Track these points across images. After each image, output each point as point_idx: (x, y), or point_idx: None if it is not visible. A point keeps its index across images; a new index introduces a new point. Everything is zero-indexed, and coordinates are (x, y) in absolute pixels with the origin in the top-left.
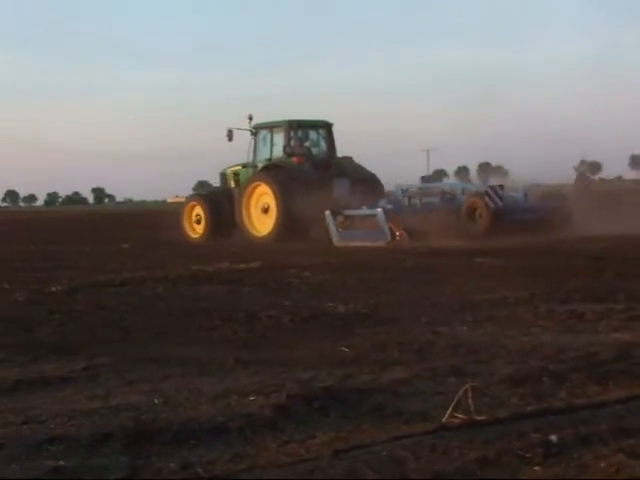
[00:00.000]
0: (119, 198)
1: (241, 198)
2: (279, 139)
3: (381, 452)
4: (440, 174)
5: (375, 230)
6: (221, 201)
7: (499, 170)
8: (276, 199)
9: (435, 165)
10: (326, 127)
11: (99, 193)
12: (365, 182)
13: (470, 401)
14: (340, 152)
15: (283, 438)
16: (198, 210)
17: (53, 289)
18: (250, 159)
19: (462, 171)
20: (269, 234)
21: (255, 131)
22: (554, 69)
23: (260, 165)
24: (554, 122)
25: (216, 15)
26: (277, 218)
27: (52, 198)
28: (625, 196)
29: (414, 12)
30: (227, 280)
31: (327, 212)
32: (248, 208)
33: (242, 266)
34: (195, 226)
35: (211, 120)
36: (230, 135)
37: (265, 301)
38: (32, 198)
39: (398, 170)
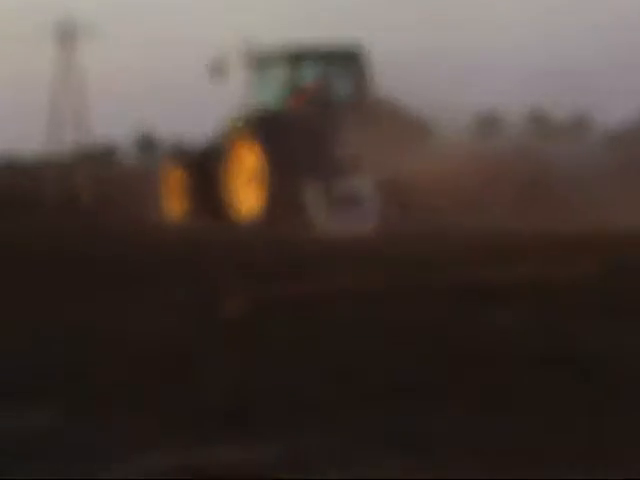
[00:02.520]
0: None
1: (221, 162)
2: (280, 74)
3: None
4: None
5: (363, 208)
6: (213, 165)
7: None
8: (268, 164)
9: None
10: (354, 56)
11: None
12: (407, 131)
13: None
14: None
15: None
16: (179, 176)
17: None
18: (246, 105)
19: None
20: (254, 214)
21: (255, 64)
22: None
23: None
24: None
25: None
26: (269, 192)
27: None
28: None
29: None
30: None
31: (307, 185)
32: (231, 177)
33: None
34: (181, 200)
35: None
36: (219, 70)
37: None
38: None
39: None
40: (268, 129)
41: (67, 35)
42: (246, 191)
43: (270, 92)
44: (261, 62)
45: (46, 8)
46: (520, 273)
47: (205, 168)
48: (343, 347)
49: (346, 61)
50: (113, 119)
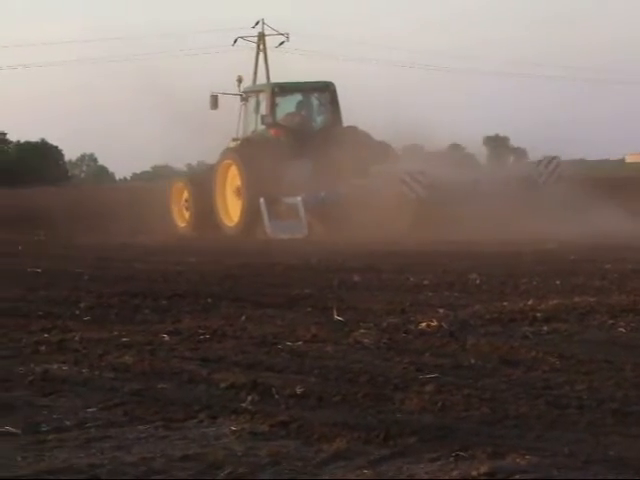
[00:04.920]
0: None
1: (214, 180)
2: (264, 107)
3: None
4: None
5: (296, 221)
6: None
7: None
8: (242, 181)
9: None
10: (325, 90)
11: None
12: (371, 152)
13: None
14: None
15: None
16: (186, 194)
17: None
18: (239, 131)
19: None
20: (237, 224)
21: (245, 97)
22: None
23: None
24: None
25: None
26: (243, 205)
27: None
28: None
29: None
30: None
31: (261, 199)
32: (222, 193)
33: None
34: (184, 212)
35: None
36: (214, 102)
37: None
38: None
39: None
40: (244, 154)
41: None
42: (232, 203)
43: (255, 122)
44: (248, 96)
45: None
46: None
47: (203, 184)
48: None
49: (320, 94)
50: None
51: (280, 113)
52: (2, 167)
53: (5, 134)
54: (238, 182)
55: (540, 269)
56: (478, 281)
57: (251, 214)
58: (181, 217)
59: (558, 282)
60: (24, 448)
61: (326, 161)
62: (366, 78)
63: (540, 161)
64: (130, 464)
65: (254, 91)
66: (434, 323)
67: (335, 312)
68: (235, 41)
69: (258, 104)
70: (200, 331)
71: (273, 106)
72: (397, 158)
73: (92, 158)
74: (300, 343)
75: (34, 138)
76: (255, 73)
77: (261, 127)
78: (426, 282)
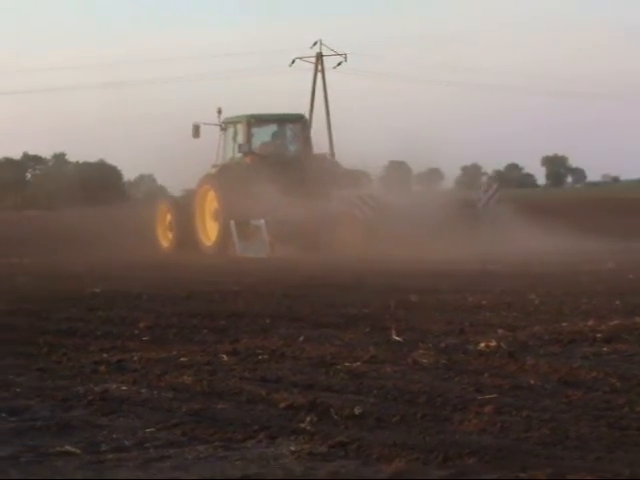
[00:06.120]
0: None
1: (194, 204)
2: (241, 136)
3: None
4: None
5: (260, 242)
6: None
7: None
8: (219, 205)
9: None
10: (298, 121)
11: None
12: (336, 178)
13: None
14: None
15: None
16: (169, 216)
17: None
18: (218, 159)
19: None
20: (214, 244)
21: (224, 126)
22: None
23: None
24: None
25: None
26: (220, 226)
27: None
28: None
29: None
30: None
31: (231, 222)
32: (202, 215)
33: None
34: (167, 233)
35: None
36: (196, 131)
37: None
38: None
39: None
40: (221, 180)
41: None
42: (210, 225)
43: (232, 150)
44: (227, 126)
45: None
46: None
47: (184, 208)
48: None
49: (293, 125)
50: None
51: (256, 142)
52: (61, 187)
53: (64, 155)
54: (215, 205)
55: (599, 288)
56: (537, 301)
57: (226, 235)
58: (165, 237)
59: (618, 302)
60: (84, 468)
61: (295, 186)
62: (425, 97)
63: (480, 186)
64: None
65: (232, 122)
66: (493, 343)
67: (394, 332)
68: (293, 62)
69: (236, 134)
70: (258, 351)
71: (249, 136)
72: (369, 183)
73: (151, 178)
74: (358, 363)
75: (93, 159)
76: (313, 93)
77: (238, 155)
78: (484, 302)
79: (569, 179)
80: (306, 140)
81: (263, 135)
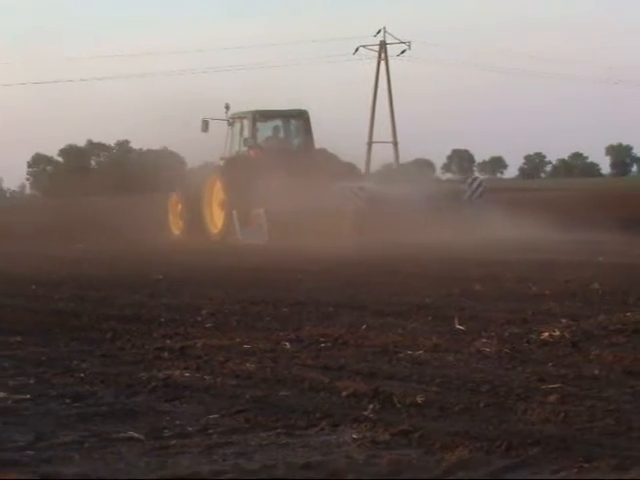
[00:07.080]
0: None
1: (203, 194)
2: (247, 131)
3: None
4: None
5: (260, 229)
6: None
7: None
8: (225, 195)
9: None
10: (300, 116)
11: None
12: (335, 171)
13: None
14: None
15: None
16: (180, 205)
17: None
18: (225, 151)
19: None
20: (220, 231)
21: (231, 121)
22: None
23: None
24: None
25: None
26: (225, 215)
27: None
28: None
29: None
30: None
31: (233, 211)
32: (210, 204)
33: None
34: (178, 221)
35: None
36: (205, 126)
37: None
38: None
39: None
40: (227, 171)
41: None
42: (217, 213)
43: (238, 144)
44: (234, 121)
45: None
46: None
47: (194, 198)
48: None
49: (295, 120)
50: None
51: (261, 136)
52: (123, 174)
53: (128, 142)
54: (222, 195)
55: None
56: (601, 291)
57: (231, 222)
58: (176, 225)
59: None
60: (147, 454)
61: (296, 178)
62: (491, 86)
63: (465, 180)
64: (252, 471)
65: (239, 117)
66: (556, 333)
67: (456, 321)
68: (356, 50)
69: (242, 128)
70: (321, 339)
71: (254, 130)
72: (359, 176)
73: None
74: (421, 352)
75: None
76: (376, 81)
77: (244, 148)
78: (547, 292)
79: (634, 168)
80: (308, 135)
81: (268, 130)
